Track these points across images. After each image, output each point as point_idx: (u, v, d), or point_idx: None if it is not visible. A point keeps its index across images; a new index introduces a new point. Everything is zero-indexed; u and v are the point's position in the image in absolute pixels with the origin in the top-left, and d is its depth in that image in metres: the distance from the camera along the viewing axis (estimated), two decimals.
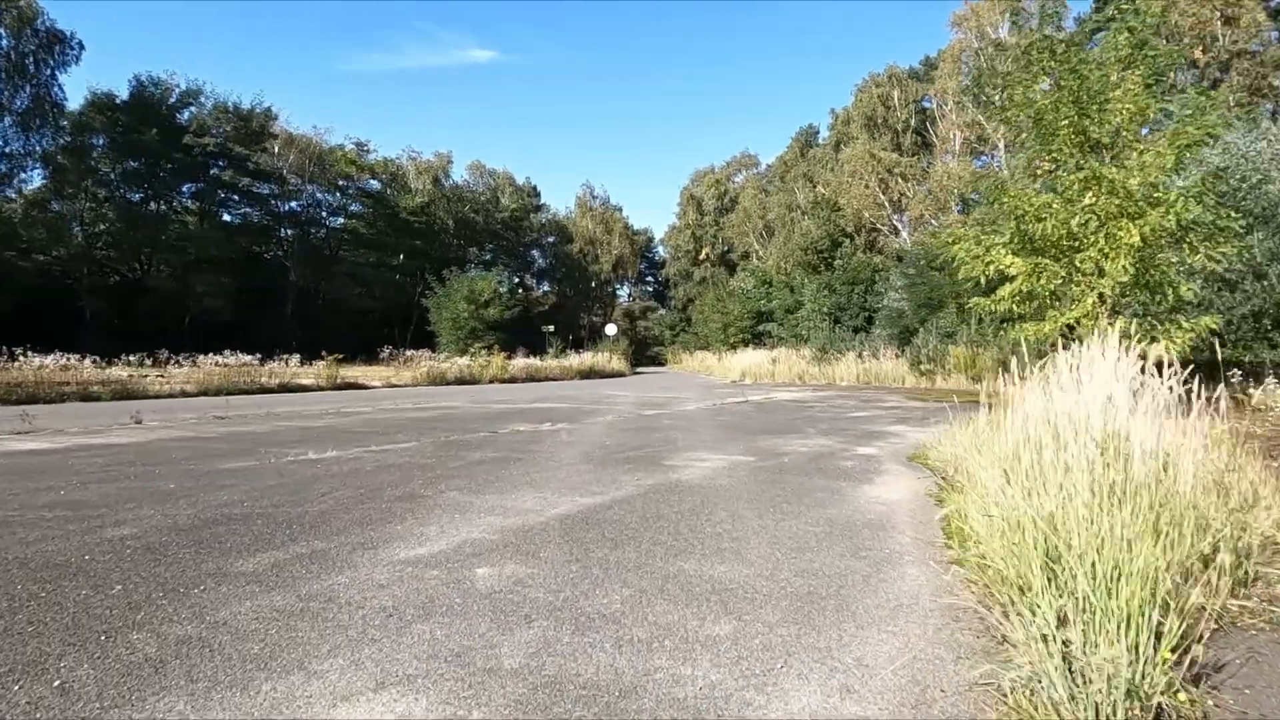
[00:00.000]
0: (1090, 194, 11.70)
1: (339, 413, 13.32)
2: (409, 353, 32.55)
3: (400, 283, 51.89)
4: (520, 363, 29.68)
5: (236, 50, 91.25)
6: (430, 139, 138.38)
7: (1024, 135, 13.18)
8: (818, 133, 58.59)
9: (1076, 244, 12.19)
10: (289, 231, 48.91)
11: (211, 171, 43.92)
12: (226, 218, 46.17)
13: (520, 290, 69.76)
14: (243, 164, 43.31)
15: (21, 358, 17.21)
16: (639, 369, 47.21)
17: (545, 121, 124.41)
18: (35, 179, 41.02)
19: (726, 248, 66.83)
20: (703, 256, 68.41)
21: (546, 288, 75.10)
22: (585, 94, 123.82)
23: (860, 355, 27.82)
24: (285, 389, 19.72)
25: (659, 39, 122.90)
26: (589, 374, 32.43)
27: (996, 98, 13.54)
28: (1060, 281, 12.30)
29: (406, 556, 3.95)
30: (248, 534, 4.40)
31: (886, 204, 42.82)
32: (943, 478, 6.59)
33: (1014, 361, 19.94)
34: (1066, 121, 12.09)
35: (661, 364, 61.52)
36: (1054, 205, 12.13)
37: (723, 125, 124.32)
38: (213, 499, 5.42)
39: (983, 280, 13.40)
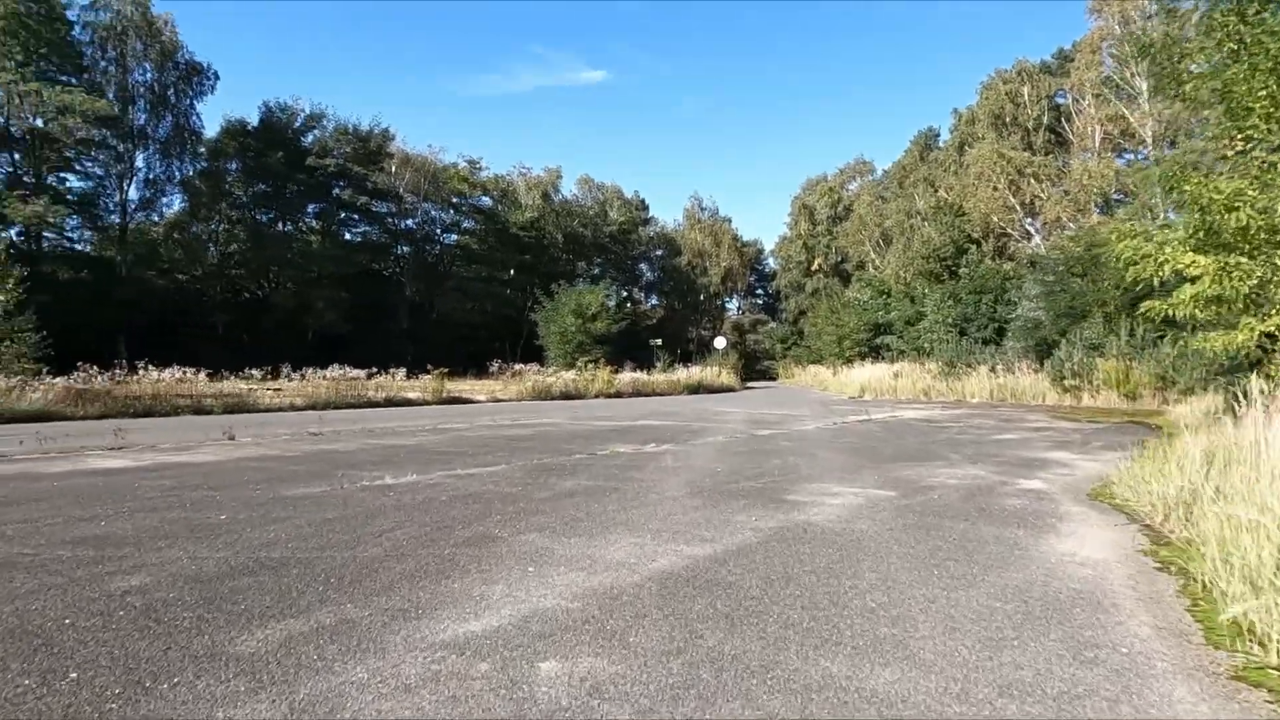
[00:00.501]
0: None
1: (435, 429, 12.74)
2: (517, 366, 32.42)
3: (510, 297, 52.40)
4: (627, 377, 28.90)
5: (354, 77, 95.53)
6: (539, 156, 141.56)
7: (1207, 112, 11.25)
8: (938, 135, 55.67)
9: (1279, 238, 10.29)
10: (405, 248, 50.28)
11: (333, 191, 45.68)
12: (346, 236, 47.89)
13: (628, 304, 69.63)
14: (362, 184, 44.78)
15: (141, 371, 17.73)
16: (749, 384, 45.75)
17: (653, 135, 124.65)
18: (175, 203, 43.77)
19: (840, 258, 64.45)
20: (815, 267, 66.19)
21: (655, 301, 74.61)
22: (694, 106, 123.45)
23: (993, 369, 25.56)
24: (391, 403, 19.58)
25: (768, 45, 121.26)
26: (697, 389, 31.30)
27: (1170, 71, 11.67)
28: (1255, 282, 10.39)
29: (453, 635, 2.98)
30: (274, 590, 3.55)
31: (1017, 207, 39.87)
32: (1150, 527, 5.14)
33: (1183, 377, 17.45)
34: (1265, 92, 10.21)
35: (772, 378, 59.73)
36: (1249, 192, 10.28)
37: (835, 132, 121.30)
38: (257, 537, 4.65)
39: (1156, 282, 11.56)
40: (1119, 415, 17.57)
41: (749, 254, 76.61)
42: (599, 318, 39.26)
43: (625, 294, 71.21)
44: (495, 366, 32.89)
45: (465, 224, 52.26)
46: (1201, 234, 10.78)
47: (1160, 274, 11.07)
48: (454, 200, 50.68)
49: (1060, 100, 44.06)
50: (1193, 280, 10.75)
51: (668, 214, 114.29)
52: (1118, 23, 37.47)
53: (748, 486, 6.73)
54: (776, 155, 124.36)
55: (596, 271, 62.47)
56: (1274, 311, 10.09)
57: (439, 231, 51.92)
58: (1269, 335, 10.26)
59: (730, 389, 35.21)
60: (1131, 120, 37.86)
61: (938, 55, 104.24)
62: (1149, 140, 37.61)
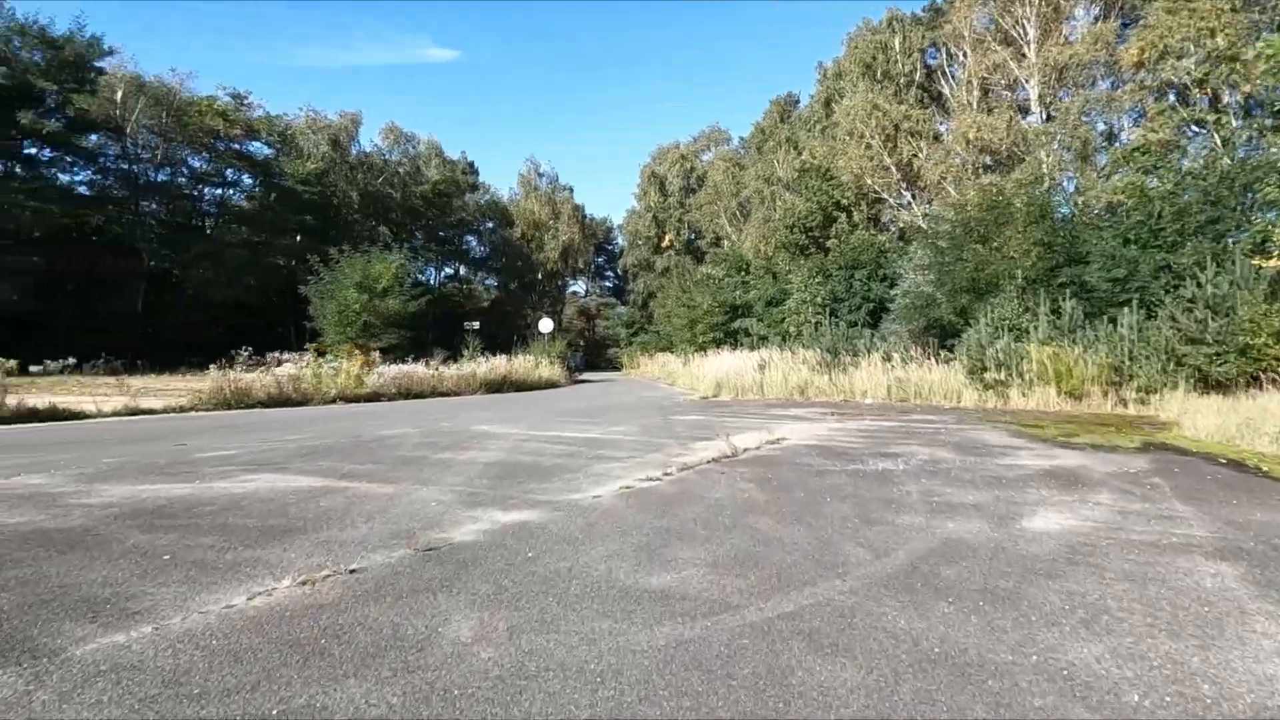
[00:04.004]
0: None
1: None
2: (285, 355, 23.37)
3: (294, 269, 42.02)
4: (392, 371, 20.31)
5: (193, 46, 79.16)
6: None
7: None
8: (798, 101, 49.95)
9: None
10: (148, 203, 38.63)
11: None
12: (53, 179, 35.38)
13: (455, 282, 60.39)
14: (61, 106, 32.54)
15: None
16: (585, 377, 38.23)
17: (494, 108, 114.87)
18: None
19: (694, 234, 57.98)
20: (666, 243, 59.36)
21: (490, 281, 65.58)
22: (537, 82, 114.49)
23: (888, 358, 19.18)
24: None
25: (617, 16, 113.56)
26: (500, 386, 23.08)
27: None
28: None
29: None
30: None
31: (893, 168, 34.28)
32: None
33: (1144, 370, 8.70)
34: None
35: (618, 368, 52.67)
36: None
37: (688, 108, 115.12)
38: None
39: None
40: (1104, 429, 11.03)
41: (595, 229, 68.96)
42: (391, 293, 30.39)
43: (453, 270, 61.93)
44: (245, 356, 23.68)
45: (229, 174, 40.78)
46: None
47: None
48: (217, 145, 39.14)
49: (931, 61, 39.18)
50: None
51: (502, 183, 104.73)
52: None
53: None
54: (626, 134, 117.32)
55: (418, 242, 52.64)
56: None
57: (191, 182, 40.19)
58: None
59: (554, 384, 27.41)
60: (1016, 70, 33.05)
61: (796, 23, 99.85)
62: (1034, 95, 32.93)
